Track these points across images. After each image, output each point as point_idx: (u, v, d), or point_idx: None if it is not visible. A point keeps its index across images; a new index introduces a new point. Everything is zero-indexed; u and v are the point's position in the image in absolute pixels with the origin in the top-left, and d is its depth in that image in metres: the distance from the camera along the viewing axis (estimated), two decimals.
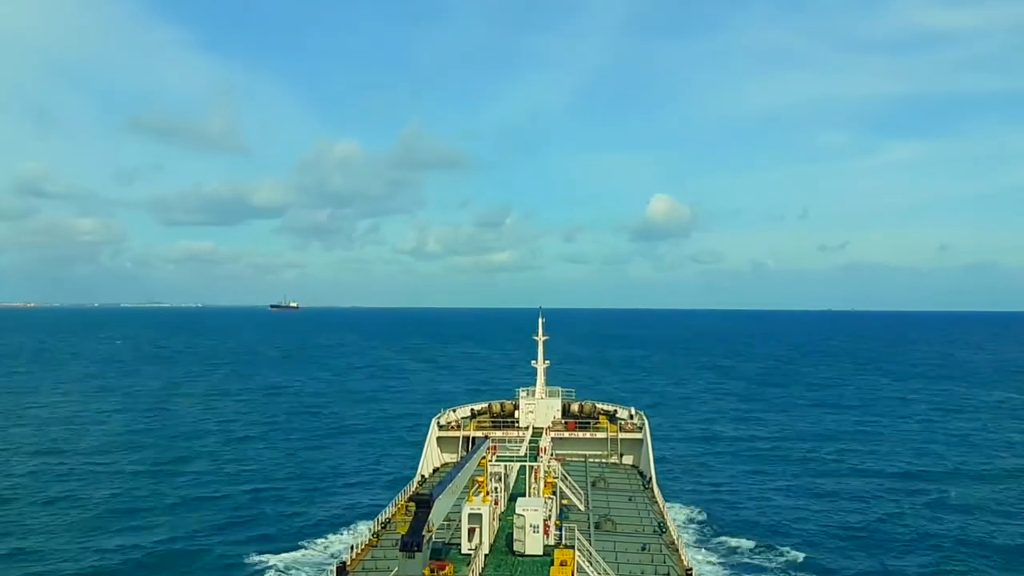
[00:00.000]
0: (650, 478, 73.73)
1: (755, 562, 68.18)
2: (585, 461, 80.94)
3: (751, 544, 72.62)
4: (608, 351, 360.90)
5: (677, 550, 52.62)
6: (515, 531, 49.14)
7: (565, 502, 61.19)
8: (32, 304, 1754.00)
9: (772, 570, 66.54)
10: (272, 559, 67.97)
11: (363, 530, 56.17)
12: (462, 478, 49.74)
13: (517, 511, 49.46)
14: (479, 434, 79.63)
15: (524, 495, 54.70)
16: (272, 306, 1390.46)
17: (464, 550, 47.65)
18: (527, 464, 58.36)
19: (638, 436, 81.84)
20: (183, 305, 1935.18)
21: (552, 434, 77.75)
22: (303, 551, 69.88)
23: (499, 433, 77.22)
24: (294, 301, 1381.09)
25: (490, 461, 56.32)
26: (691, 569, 47.71)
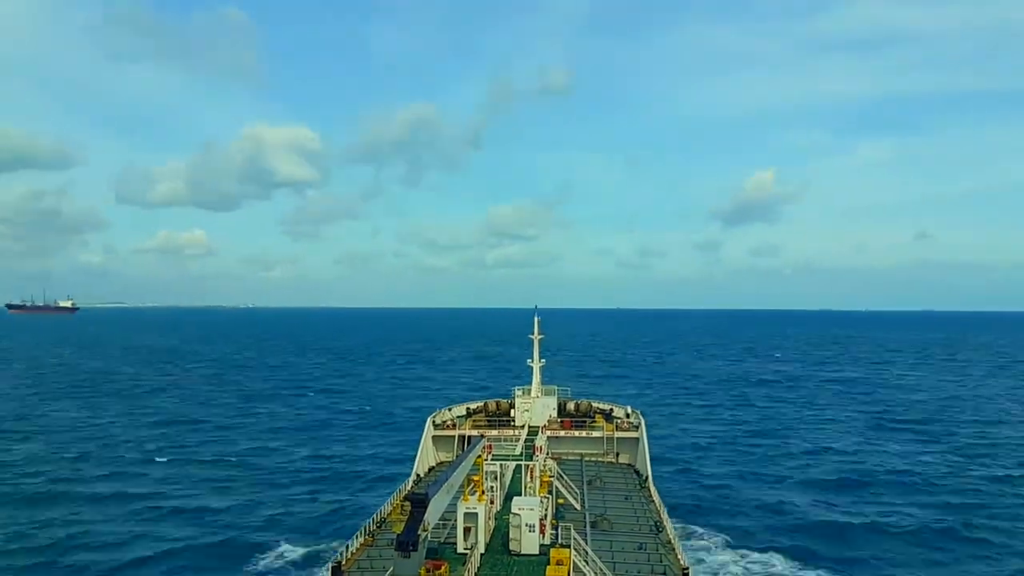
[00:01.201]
0: (646, 477, 73.55)
1: (753, 561, 67.99)
2: (581, 460, 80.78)
3: (750, 543, 72.41)
4: None
5: (674, 549, 52.44)
6: (511, 530, 48.99)
7: (561, 501, 61.05)
8: None
9: (771, 569, 66.36)
10: (266, 558, 67.70)
11: (358, 529, 55.85)
12: (458, 477, 49.48)
13: (513, 510, 49.28)
14: (475, 433, 79.53)
15: (520, 494, 54.47)
16: (9, 306, 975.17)
17: (460, 549, 47.47)
18: (523, 463, 58.17)
19: (634, 435, 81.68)
20: (150, 305, 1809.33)
21: (548, 433, 77.59)
22: (298, 550, 69.54)
23: (495, 432, 77.04)
24: (69, 299, 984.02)
25: (486, 460, 56.17)
26: (688, 568, 47.50)
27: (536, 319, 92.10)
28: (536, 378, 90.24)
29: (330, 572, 46.41)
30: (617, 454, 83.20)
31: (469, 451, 56.17)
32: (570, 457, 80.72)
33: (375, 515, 58.59)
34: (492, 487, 55.73)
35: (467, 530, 48.00)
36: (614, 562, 48.69)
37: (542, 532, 49.53)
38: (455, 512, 48.86)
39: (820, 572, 66.03)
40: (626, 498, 67.07)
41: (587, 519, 58.38)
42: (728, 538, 73.86)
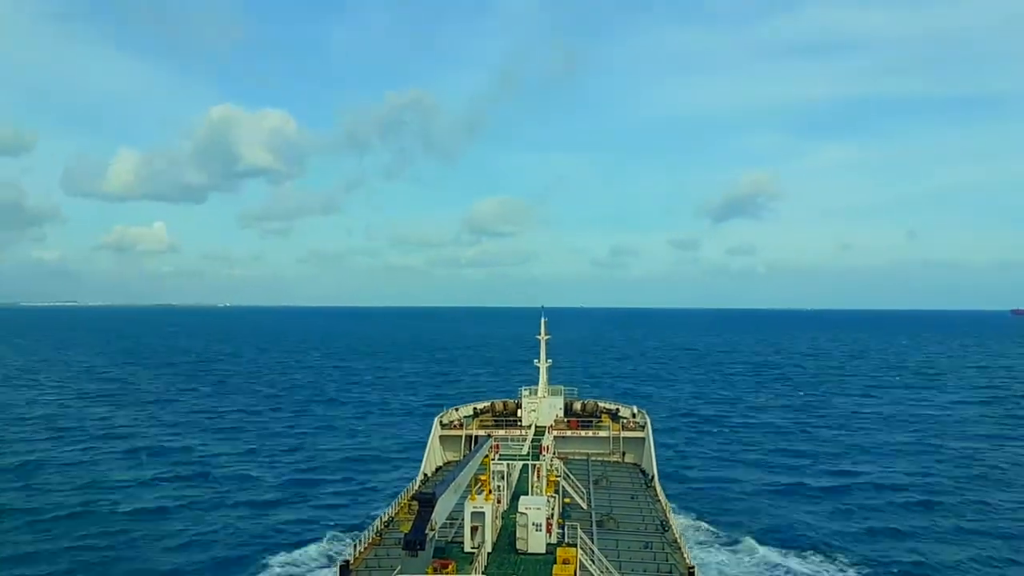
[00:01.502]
0: (652, 476, 73.87)
1: (759, 561, 68.12)
2: (587, 459, 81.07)
3: (755, 543, 72.43)
4: None
5: (680, 548, 52.69)
6: (518, 529, 49.37)
7: (567, 500, 61.42)
8: None
9: (776, 569, 66.50)
10: (275, 558, 68.15)
11: (366, 528, 56.33)
12: (465, 476, 49.92)
13: (520, 509, 49.68)
14: (482, 433, 79.88)
15: (527, 494, 54.85)
16: None
17: (467, 548, 47.86)
18: (530, 463, 58.54)
19: (640, 435, 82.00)
20: (100, 304, 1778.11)
21: (555, 433, 77.98)
22: (306, 549, 70.01)
23: (502, 432, 77.29)
24: None
25: (493, 460, 56.54)
26: (694, 567, 47.72)
27: (543, 320, 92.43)
28: (543, 378, 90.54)
29: (339, 571, 46.86)
30: (623, 453, 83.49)
31: (476, 451, 56.59)
32: (576, 457, 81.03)
33: (383, 514, 59.08)
34: (499, 486, 56.13)
35: (474, 529, 48.37)
36: (620, 561, 48.99)
37: (548, 531, 49.90)
38: (462, 511, 49.28)
39: (823, 572, 66.30)
40: (632, 497, 67.36)
41: (593, 518, 58.71)
42: (732, 537, 74.11)
